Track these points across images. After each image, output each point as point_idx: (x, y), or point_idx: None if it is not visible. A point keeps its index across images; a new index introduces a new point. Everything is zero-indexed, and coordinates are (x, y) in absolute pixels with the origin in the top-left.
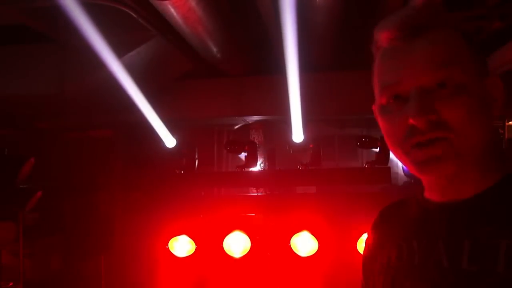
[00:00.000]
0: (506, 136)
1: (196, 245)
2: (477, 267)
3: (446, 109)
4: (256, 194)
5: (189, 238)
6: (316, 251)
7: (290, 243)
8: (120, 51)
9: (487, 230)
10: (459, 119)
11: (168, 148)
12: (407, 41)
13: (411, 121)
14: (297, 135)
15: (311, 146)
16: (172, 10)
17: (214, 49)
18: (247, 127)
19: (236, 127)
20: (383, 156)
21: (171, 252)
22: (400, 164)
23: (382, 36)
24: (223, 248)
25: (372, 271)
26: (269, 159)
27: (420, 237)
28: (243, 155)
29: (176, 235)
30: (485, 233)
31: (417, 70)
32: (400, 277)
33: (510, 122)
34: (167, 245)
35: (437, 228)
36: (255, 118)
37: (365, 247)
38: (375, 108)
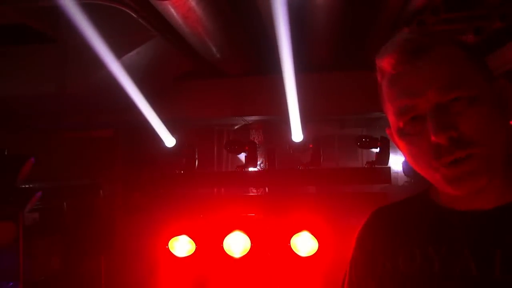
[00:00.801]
0: None
1: (196, 245)
2: (511, 276)
3: (464, 121)
4: (254, 194)
5: (189, 238)
6: (316, 251)
7: (290, 243)
8: (120, 51)
9: None
10: (478, 130)
11: (168, 148)
12: (411, 64)
13: (433, 138)
14: (297, 134)
15: (310, 146)
16: (172, 10)
17: (214, 49)
18: (247, 127)
19: (236, 127)
20: (383, 156)
21: (171, 252)
22: (400, 164)
23: (385, 63)
24: (223, 248)
25: (372, 276)
26: (269, 159)
27: (438, 244)
28: (242, 155)
29: (176, 235)
30: None
31: (427, 91)
32: (414, 284)
33: None
34: (167, 245)
35: (461, 235)
36: (255, 118)
37: (358, 249)
38: (390, 132)
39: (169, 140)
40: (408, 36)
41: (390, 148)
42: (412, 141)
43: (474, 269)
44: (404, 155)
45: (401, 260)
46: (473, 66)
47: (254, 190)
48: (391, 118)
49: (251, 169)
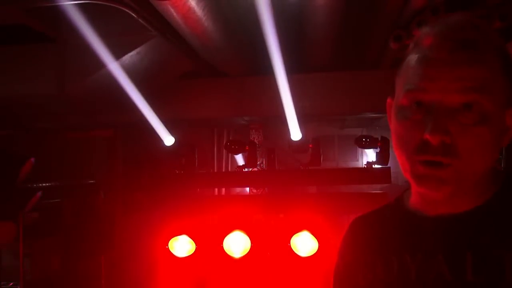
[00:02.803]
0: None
1: (196, 245)
2: (483, 278)
3: (462, 135)
4: (249, 194)
5: (189, 238)
6: (316, 251)
7: (290, 243)
8: (120, 51)
9: (489, 241)
10: (471, 149)
11: (168, 148)
12: (449, 52)
13: (426, 136)
14: (295, 134)
15: (310, 146)
16: (172, 10)
17: (214, 49)
18: (247, 127)
19: (236, 127)
20: (383, 156)
21: (171, 252)
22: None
23: (426, 39)
24: (223, 248)
25: (356, 286)
26: (269, 159)
27: (413, 251)
28: (240, 156)
29: (176, 235)
30: (487, 244)
31: (446, 86)
32: None
33: None
34: (167, 245)
35: (434, 241)
36: (255, 118)
37: (339, 261)
38: (391, 103)
39: (168, 140)
40: (462, 24)
41: (390, 148)
42: (406, 125)
43: (448, 274)
44: (392, 136)
45: (381, 269)
46: (503, 86)
47: (254, 190)
48: (399, 91)
49: (251, 169)
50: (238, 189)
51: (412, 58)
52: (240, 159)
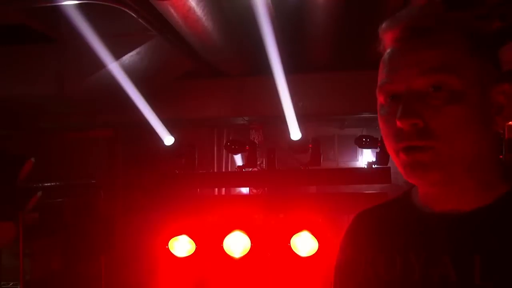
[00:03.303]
0: (506, 136)
1: (196, 245)
2: (492, 283)
3: (434, 115)
4: (249, 194)
5: (189, 238)
6: (316, 251)
7: (290, 243)
8: (120, 51)
9: (499, 244)
10: (446, 129)
11: (168, 148)
12: (408, 42)
13: (398, 123)
14: (295, 134)
15: (310, 146)
16: (172, 10)
17: (214, 49)
18: (247, 127)
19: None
20: (383, 156)
21: (171, 252)
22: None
23: (386, 37)
24: (223, 248)
25: (354, 283)
26: (269, 159)
27: (418, 250)
28: (239, 156)
29: (176, 235)
30: (498, 247)
31: (409, 72)
32: None
33: (510, 122)
34: (167, 245)
35: (441, 241)
36: (255, 118)
37: (340, 255)
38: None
39: (168, 140)
40: (415, 14)
41: None
42: (387, 120)
43: (454, 276)
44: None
45: (382, 267)
46: (473, 63)
47: (254, 190)
48: (377, 92)
49: (251, 169)
50: (237, 189)
51: (382, 59)
52: (238, 159)
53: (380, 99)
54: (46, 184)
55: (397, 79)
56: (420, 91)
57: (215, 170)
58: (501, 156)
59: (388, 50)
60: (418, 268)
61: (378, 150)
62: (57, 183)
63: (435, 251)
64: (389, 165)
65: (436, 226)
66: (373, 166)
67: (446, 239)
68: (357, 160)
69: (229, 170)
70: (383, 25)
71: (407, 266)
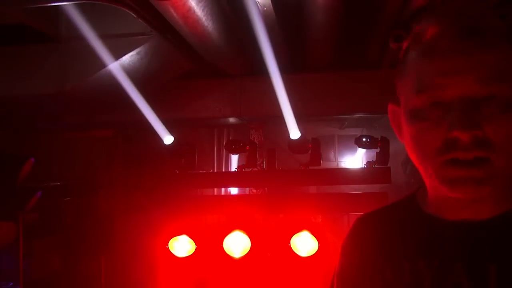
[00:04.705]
0: None
1: (196, 245)
2: None
3: (492, 125)
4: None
5: (189, 238)
6: (316, 251)
7: (290, 243)
8: (120, 51)
9: None
10: (503, 137)
11: (168, 148)
12: (459, 41)
13: (455, 133)
14: (294, 132)
15: (310, 146)
16: (172, 10)
17: (214, 49)
18: (247, 127)
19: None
20: (383, 156)
21: (171, 252)
22: (400, 164)
23: (429, 30)
24: (223, 248)
25: None
26: (269, 159)
27: (429, 257)
28: (236, 157)
29: (176, 235)
30: None
31: (469, 78)
32: None
33: None
34: (167, 245)
35: (454, 248)
36: (255, 118)
37: (344, 260)
38: (394, 109)
39: (168, 140)
40: (465, 10)
41: (390, 148)
42: (423, 127)
43: (467, 285)
44: (405, 140)
45: (389, 274)
46: None
47: (254, 190)
48: (407, 93)
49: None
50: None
51: (415, 54)
52: (235, 160)
53: (417, 102)
54: (46, 184)
55: (449, 84)
56: (475, 98)
57: (215, 170)
58: None
59: (430, 46)
60: (429, 275)
61: (378, 150)
62: (57, 183)
63: (447, 258)
64: (389, 165)
65: (450, 234)
66: (373, 166)
67: (460, 246)
68: (357, 160)
69: (229, 170)
70: (428, 14)
71: (416, 273)
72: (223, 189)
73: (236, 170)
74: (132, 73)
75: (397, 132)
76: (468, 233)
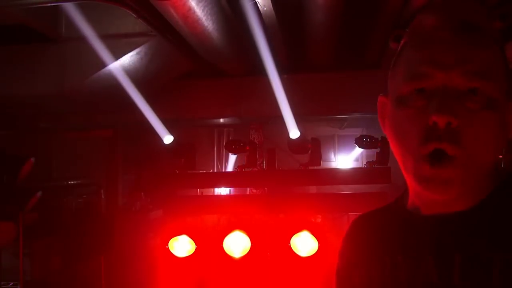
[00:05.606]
0: None
1: (196, 245)
2: (469, 282)
3: (468, 120)
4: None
5: (189, 238)
6: (316, 251)
7: (290, 243)
8: (120, 51)
9: (479, 243)
10: (476, 137)
11: (168, 148)
12: (453, 34)
13: (434, 117)
14: (294, 132)
15: (309, 146)
16: (172, 10)
17: (214, 49)
18: (247, 127)
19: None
20: (383, 156)
21: (171, 252)
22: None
23: (427, 21)
24: (223, 248)
25: (353, 287)
26: (269, 159)
27: (406, 252)
28: (234, 158)
29: (176, 235)
30: (477, 247)
31: (451, 69)
32: None
33: None
34: (167, 245)
35: (426, 242)
36: (255, 118)
37: (340, 261)
38: (383, 100)
39: (168, 140)
40: (463, 6)
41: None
42: (408, 115)
43: (435, 276)
44: (388, 131)
45: (373, 269)
46: (505, 75)
47: (254, 190)
48: (397, 82)
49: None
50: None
51: (409, 45)
52: (232, 161)
53: (404, 89)
54: (46, 184)
55: (436, 74)
56: (457, 89)
57: (215, 170)
58: (500, 156)
59: (424, 36)
60: (405, 269)
61: (378, 150)
62: (57, 183)
63: (421, 252)
64: (389, 165)
65: (422, 228)
66: (373, 166)
67: (430, 240)
68: (357, 160)
69: (229, 170)
70: (428, 6)
71: (395, 267)
72: (223, 189)
73: (236, 170)
74: (132, 73)
75: (382, 123)
76: (438, 226)
